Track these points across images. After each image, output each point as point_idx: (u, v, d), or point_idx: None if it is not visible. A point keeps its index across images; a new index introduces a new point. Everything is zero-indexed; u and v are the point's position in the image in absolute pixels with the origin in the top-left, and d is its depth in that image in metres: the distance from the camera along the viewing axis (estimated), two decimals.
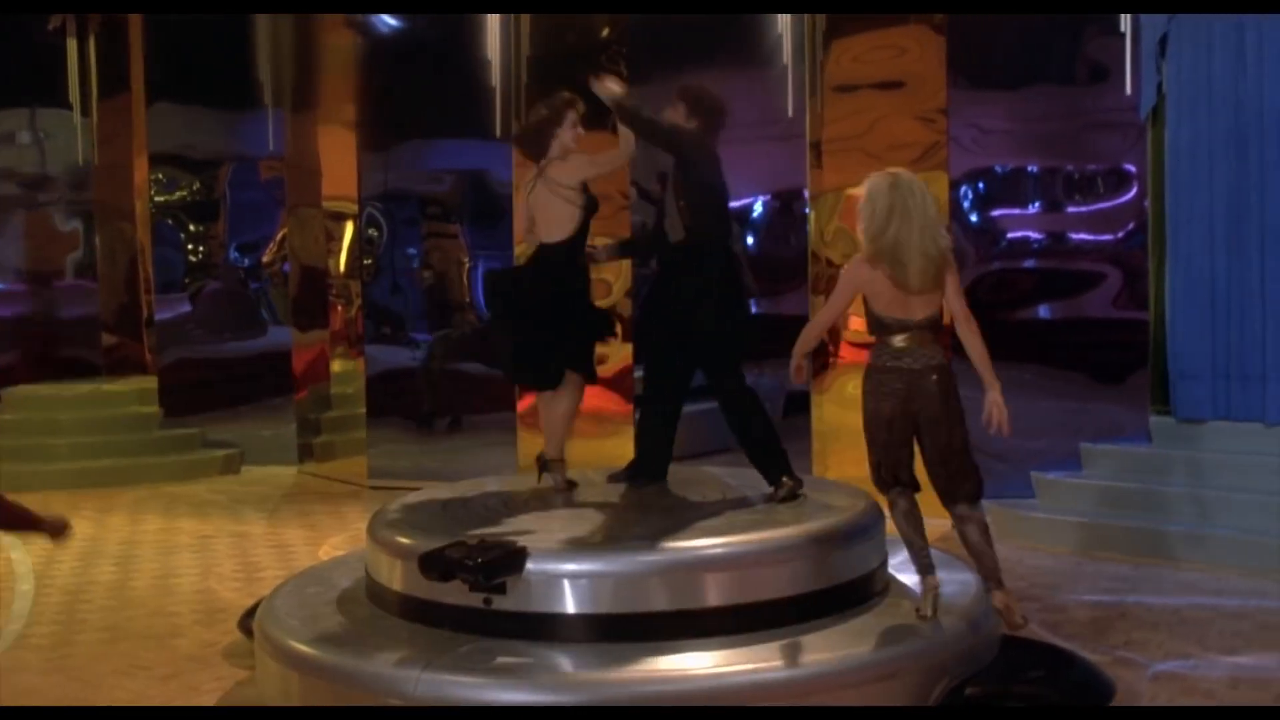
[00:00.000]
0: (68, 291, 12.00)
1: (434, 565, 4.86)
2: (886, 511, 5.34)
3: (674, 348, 5.91)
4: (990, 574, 5.20)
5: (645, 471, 6.09)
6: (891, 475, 5.10)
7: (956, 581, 5.37)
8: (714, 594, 4.96)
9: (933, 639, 4.99)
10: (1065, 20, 8.32)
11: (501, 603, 4.88)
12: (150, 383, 11.53)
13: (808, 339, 5.31)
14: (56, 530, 4.49)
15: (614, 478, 6.14)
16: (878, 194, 4.96)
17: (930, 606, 5.08)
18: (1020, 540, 7.75)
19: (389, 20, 10.12)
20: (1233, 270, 7.83)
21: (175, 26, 11.22)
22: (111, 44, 11.83)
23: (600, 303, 9.66)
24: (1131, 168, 8.38)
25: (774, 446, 5.80)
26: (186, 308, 11.68)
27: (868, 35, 8.67)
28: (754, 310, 7.78)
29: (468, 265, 10.16)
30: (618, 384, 9.56)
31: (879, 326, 5.07)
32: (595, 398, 9.61)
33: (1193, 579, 7.04)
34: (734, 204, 6.93)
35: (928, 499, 5.20)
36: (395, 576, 5.26)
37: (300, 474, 10.79)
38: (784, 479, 5.70)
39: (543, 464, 6.02)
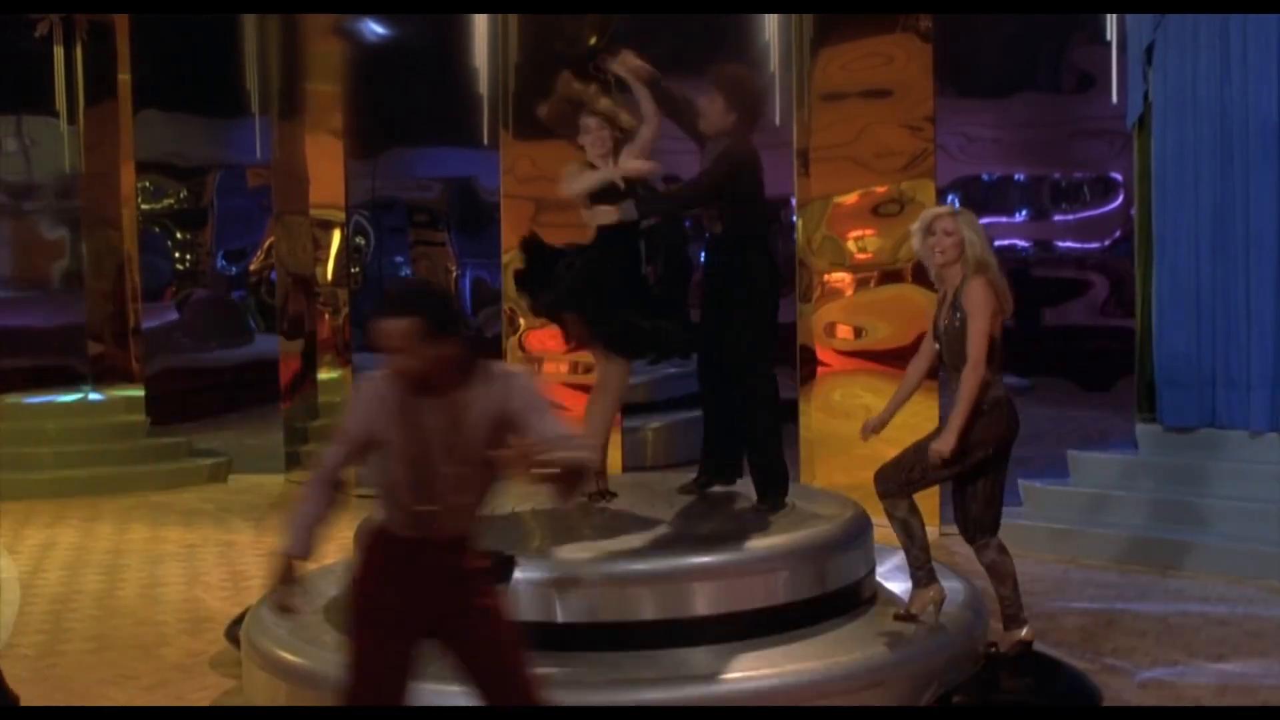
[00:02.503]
0: (54, 300, 11.94)
1: None
2: (879, 520, 5.36)
3: (709, 340, 5.68)
4: (1016, 605, 5.26)
5: (712, 469, 5.89)
6: (914, 489, 5.12)
7: (945, 589, 5.37)
8: (702, 603, 4.96)
9: (921, 646, 5.00)
10: (1051, 29, 8.35)
11: None
12: (137, 391, 11.46)
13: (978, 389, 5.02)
14: None
15: (685, 488, 5.91)
16: (973, 223, 5.02)
17: (934, 615, 5.10)
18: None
19: (376, 27, 10.11)
20: (1219, 277, 7.85)
21: (162, 33, 11.19)
22: (98, 51, 11.77)
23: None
24: (1118, 176, 8.43)
25: (775, 463, 5.73)
26: (174, 316, 11.63)
27: (855, 43, 8.68)
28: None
29: (455, 273, 10.15)
30: None
31: (996, 352, 5.06)
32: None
33: (1180, 586, 7.05)
34: None
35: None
36: None
37: (288, 482, 10.74)
38: (769, 499, 5.65)
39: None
